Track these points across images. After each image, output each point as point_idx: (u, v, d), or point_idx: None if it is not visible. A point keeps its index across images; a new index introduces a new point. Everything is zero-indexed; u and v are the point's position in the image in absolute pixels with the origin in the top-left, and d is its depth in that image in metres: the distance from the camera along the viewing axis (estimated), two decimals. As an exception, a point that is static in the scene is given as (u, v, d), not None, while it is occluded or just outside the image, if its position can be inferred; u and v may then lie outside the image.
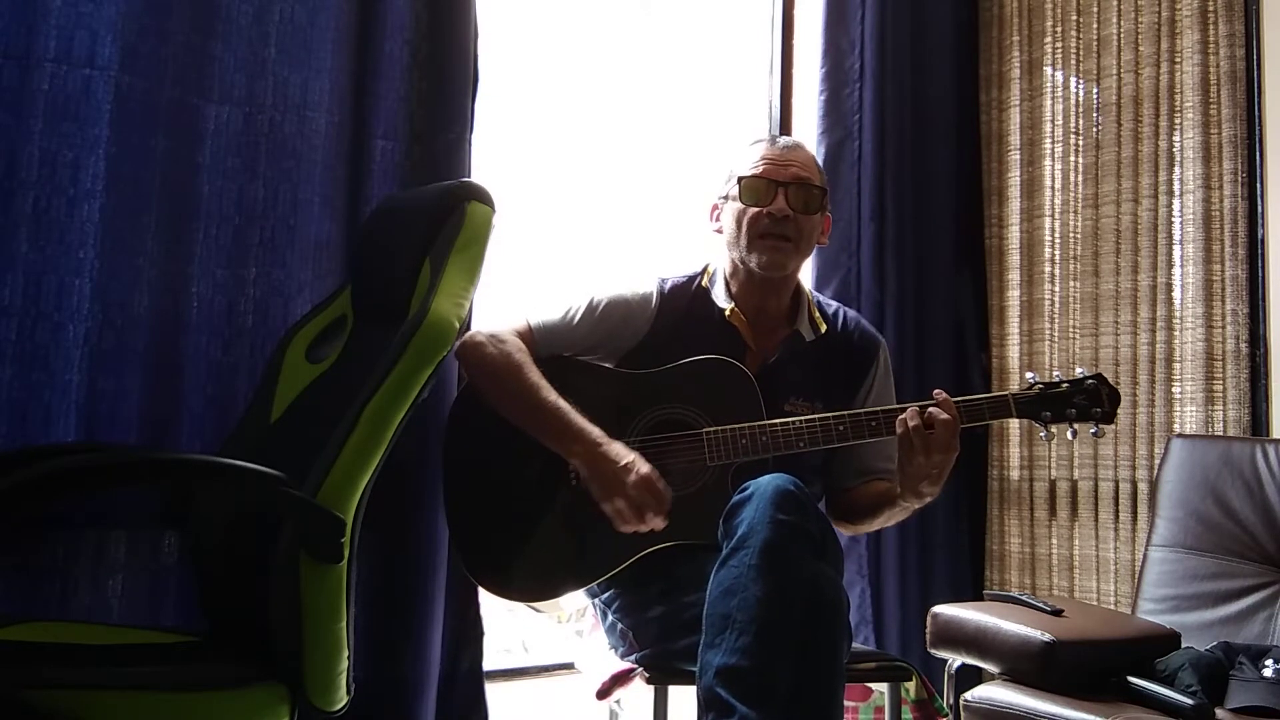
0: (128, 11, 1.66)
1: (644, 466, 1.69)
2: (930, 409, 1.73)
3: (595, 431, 1.73)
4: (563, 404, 1.75)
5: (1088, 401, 1.81)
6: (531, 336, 1.85)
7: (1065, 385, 1.82)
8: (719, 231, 1.95)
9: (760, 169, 1.88)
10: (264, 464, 1.28)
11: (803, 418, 1.78)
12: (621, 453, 1.70)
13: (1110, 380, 1.85)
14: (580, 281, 1.95)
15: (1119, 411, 1.85)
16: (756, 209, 1.86)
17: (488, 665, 2.03)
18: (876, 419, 1.78)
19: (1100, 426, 1.82)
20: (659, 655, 1.74)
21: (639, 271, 1.98)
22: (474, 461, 1.84)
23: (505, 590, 1.84)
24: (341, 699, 1.34)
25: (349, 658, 1.33)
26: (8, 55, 1.58)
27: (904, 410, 1.76)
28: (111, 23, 1.64)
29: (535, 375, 1.78)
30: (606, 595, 1.85)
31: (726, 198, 1.93)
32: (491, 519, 1.82)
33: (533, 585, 1.82)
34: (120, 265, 1.66)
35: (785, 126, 2.98)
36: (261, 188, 1.82)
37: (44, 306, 1.58)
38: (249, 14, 1.81)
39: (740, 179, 1.89)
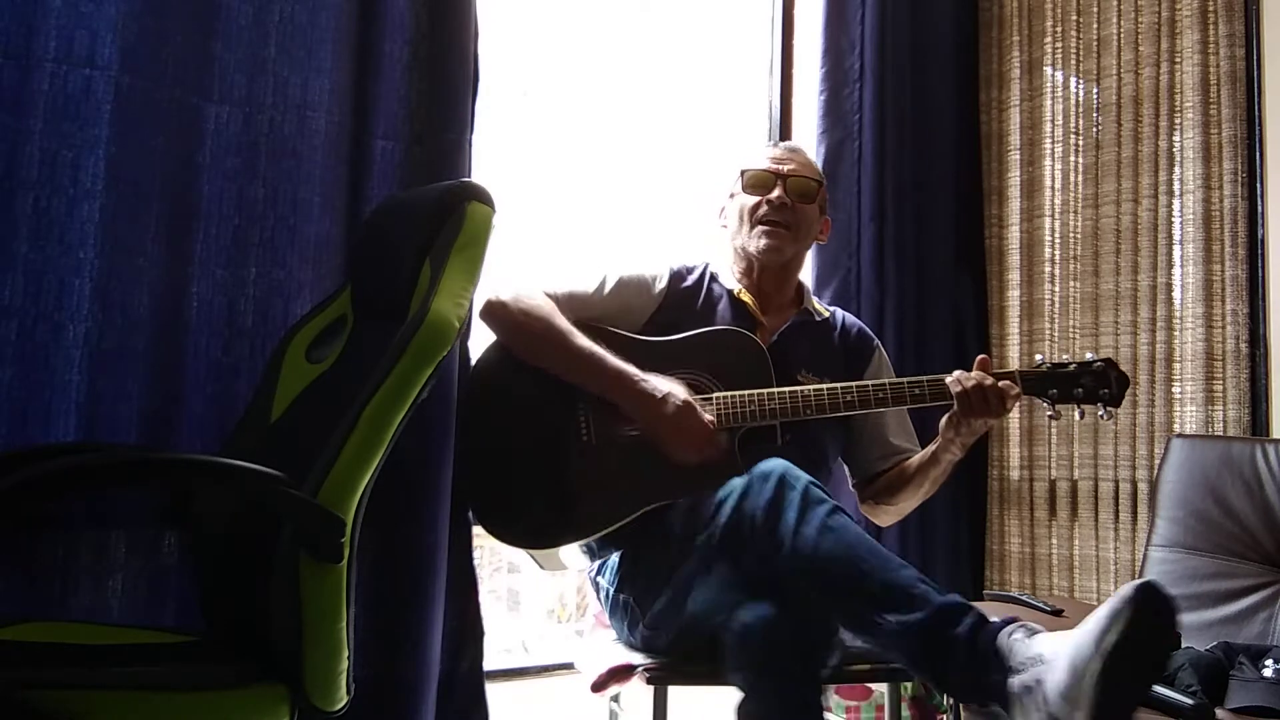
0: (128, 11, 1.66)
1: (681, 394, 1.79)
2: (979, 372, 1.82)
3: (631, 369, 1.82)
4: (596, 347, 1.84)
5: (1095, 383, 1.84)
6: (556, 299, 1.91)
7: (1073, 366, 1.86)
8: (724, 227, 2.08)
9: (762, 164, 2.02)
10: (264, 464, 1.28)
11: (811, 387, 1.82)
12: (659, 385, 1.80)
13: (1121, 369, 1.88)
14: (575, 270, 2.00)
15: (1119, 411, 1.87)
16: (757, 199, 2.00)
17: (488, 665, 2.03)
18: (883, 390, 1.86)
19: (1107, 409, 1.84)
20: (669, 608, 1.75)
21: (644, 259, 2.05)
22: (492, 415, 1.89)
23: (508, 534, 1.87)
24: (341, 699, 1.34)
25: (349, 658, 1.33)
26: (8, 55, 1.57)
27: (921, 382, 1.85)
28: (111, 23, 1.64)
29: (565, 323, 1.86)
30: (608, 570, 1.87)
31: (732, 195, 2.06)
32: (502, 465, 1.87)
33: (535, 532, 1.85)
34: (120, 265, 1.66)
35: (785, 126, 2.98)
36: (261, 188, 1.82)
37: (44, 306, 1.58)
38: (249, 14, 1.81)
39: (744, 172, 2.03)
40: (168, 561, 1.71)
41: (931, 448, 1.92)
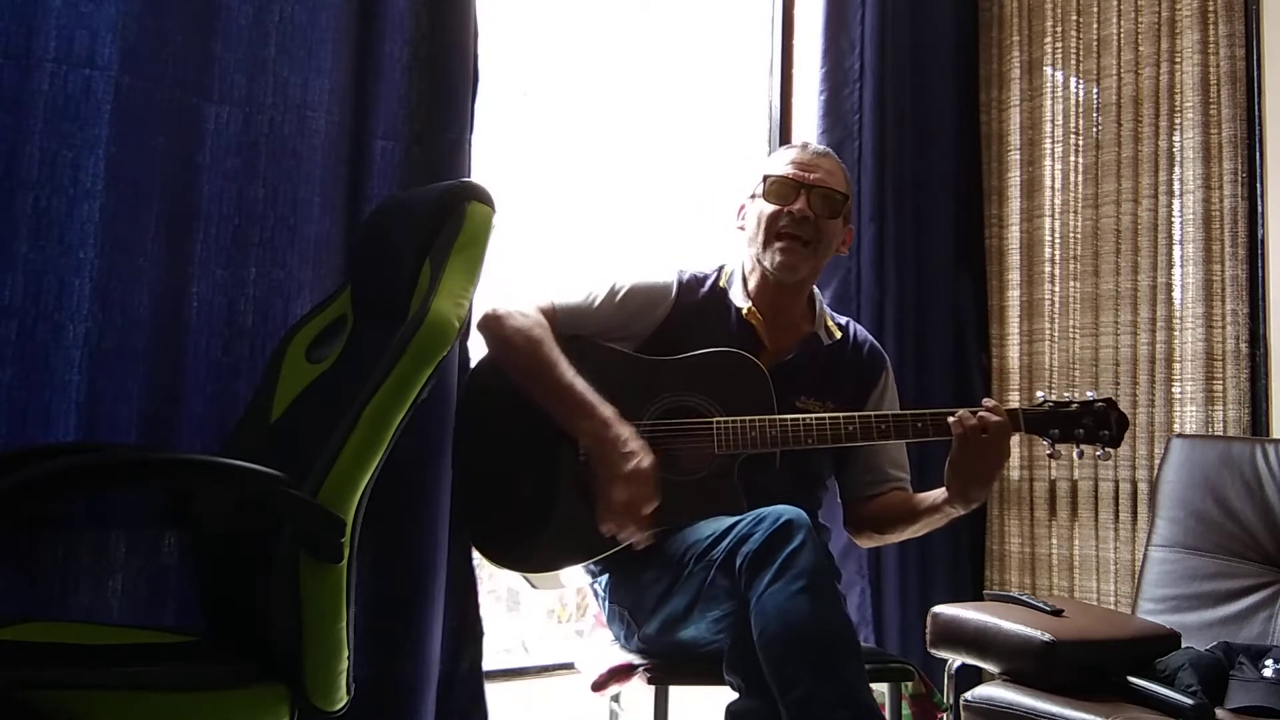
0: (128, 11, 1.66)
1: (646, 459, 1.71)
2: (983, 413, 1.77)
3: (606, 411, 1.76)
4: (578, 382, 1.78)
5: (1096, 424, 1.84)
6: (554, 314, 1.89)
7: (1075, 405, 1.85)
8: (742, 229, 2.00)
9: (787, 171, 1.93)
10: (264, 464, 1.28)
11: (813, 415, 1.80)
12: (628, 438, 1.73)
13: (1111, 381, 1.87)
14: (603, 271, 1.98)
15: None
16: (778, 208, 1.91)
17: (488, 665, 2.03)
18: (886, 422, 1.82)
19: (1107, 450, 1.84)
20: (662, 631, 1.75)
21: (632, 269, 2.00)
22: (484, 434, 1.86)
23: (505, 560, 1.85)
24: (341, 699, 1.34)
25: (349, 658, 1.33)
26: (8, 55, 1.57)
27: (924, 415, 1.81)
28: (111, 23, 1.64)
29: (553, 352, 1.81)
30: (604, 579, 1.86)
31: (754, 196, 1.98)
32: (499, 489, 1.85)
33: (532, 558, 1.83)
34: (120, 265, 1.66)
35: (785, 126, 2.98)
36: (261, 188, 1.82)
37: (44, 306, 1.57)
38: (249, 14, 1.81)
39: (767, 178, 1.95)
40: (168, 561, 1.71)
41: (937, 497, 1.86)
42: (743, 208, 2.01)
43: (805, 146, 2.00)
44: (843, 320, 2.07)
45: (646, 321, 1.92)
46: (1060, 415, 1.84)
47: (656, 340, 1.91)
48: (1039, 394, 1.90)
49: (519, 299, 1.89)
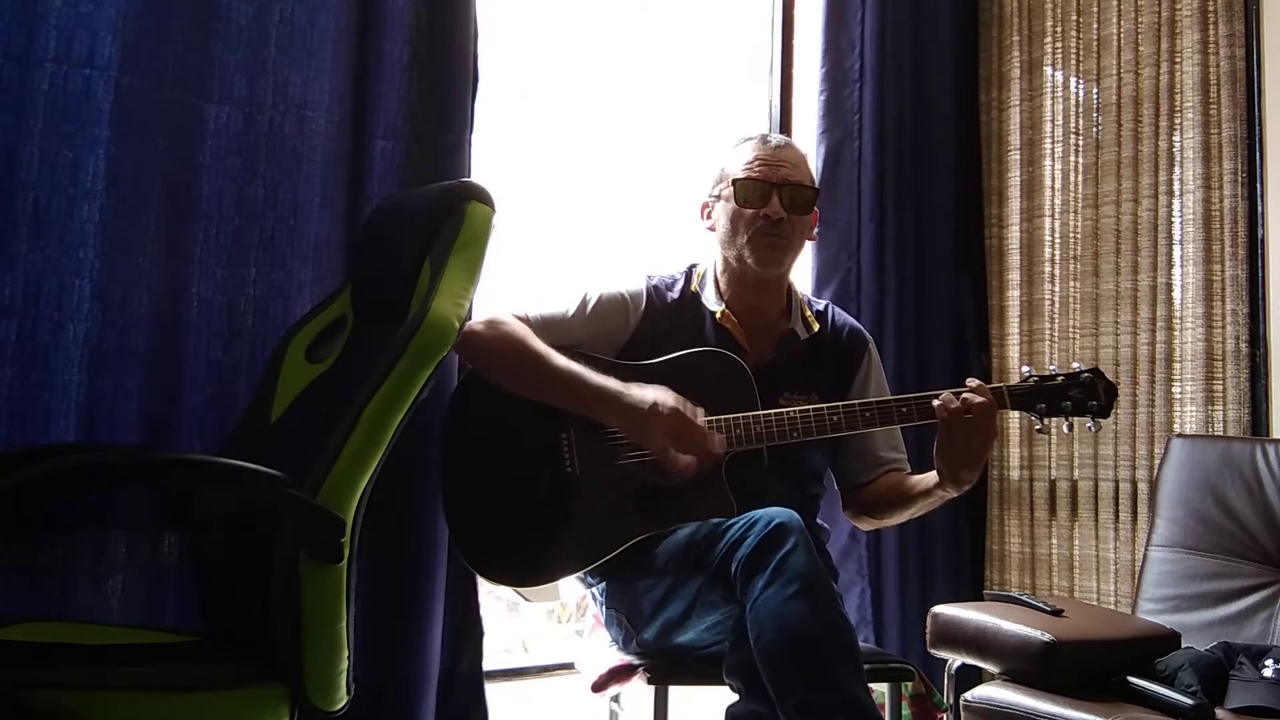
0: (128, 11, 1.66)
1: (668, 399, 1.72)
2: (966, 394, 1.75)
3: (612, 384, 1.75)
4: (574, 366, 1.78)
5: (1083, 395, 1.81)
6: (530, 324, 1.87)
7: (1061, 378, 1.83)
8: (711, 229, 1.96)
9: (754, 171, 1.89)
10: (264, 464, 1.28)
11: (797, 408, 1.79)
12: (644, 395, 1.73)
13: (1109, 378, 1.85)
14: (579, 280, 1.96)
15: (1119, 411, 1.85)
16: (751, 210, 1.87)
17: (488, 665, 2.03)
18: (870, 410, 1.81)
19: (1097, 421, 1.81)
20: (660, 637, 1.74)
21: (632, 269, 1.99)
22: (472, 449, 1.84)
23: (499, 575, 1.84)
24: (341, 699, 1.34)
25: (349, 658, 1.34)
26: (8, 55, 1.58)
27: (909, 401, 1.80)
28: (111, 23, 1.64)
29: (540, 346, 1.80)
30: (600, 586, 1.86)
31: (719, 197, 1.94)
32: (488, 504, 1.82)
33: (523, 572, 1.82)
34: (120, 265, 1.66)
35: (785, 126, 2.98)
36: (261, 188, 1.82)
37: (44, 306, 1.58)
38: (249, 14, 1.82)
39: (734, 181, 1.90)
40: (168, 561, 1.71)
41: (930, 480, 1.84)
42: (707, 206, 1.97)
43: (765, 140, 1.94)
44: (821, 306, 2.03)
45: (620, 330, 1.89)
46: (1046, 389, 1.82)
47: (633, 348, 1.89)
48: (1024, 369, 1.88)
49: (492, 310, 1.86)
